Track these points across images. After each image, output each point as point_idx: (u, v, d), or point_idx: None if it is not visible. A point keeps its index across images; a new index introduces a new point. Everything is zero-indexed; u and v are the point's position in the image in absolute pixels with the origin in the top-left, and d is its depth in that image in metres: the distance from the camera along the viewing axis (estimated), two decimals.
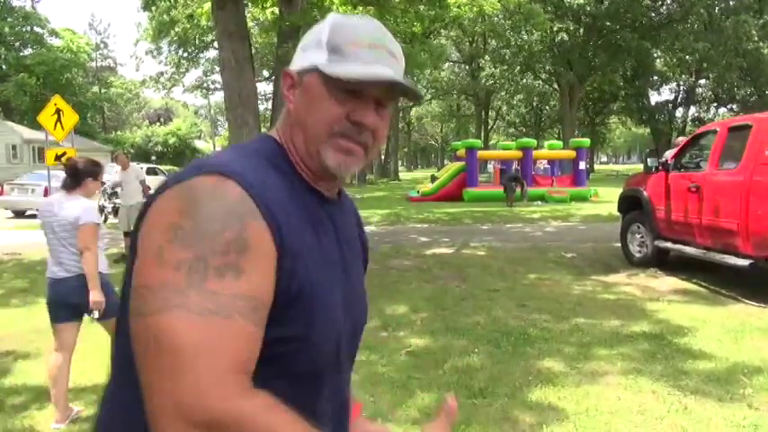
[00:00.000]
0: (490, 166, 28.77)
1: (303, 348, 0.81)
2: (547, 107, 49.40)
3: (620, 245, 7.99)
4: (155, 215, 0.77)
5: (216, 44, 13.34)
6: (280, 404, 0.71)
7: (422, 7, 11.91)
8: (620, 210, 8.19)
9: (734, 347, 4.28)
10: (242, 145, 0.91)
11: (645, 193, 7.36)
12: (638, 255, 7.57)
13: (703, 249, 6.28)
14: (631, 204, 7.78)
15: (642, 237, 7.49)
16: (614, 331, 4.74)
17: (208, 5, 11.81)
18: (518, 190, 17.52)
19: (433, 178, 21.91)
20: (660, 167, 7.07)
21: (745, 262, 5.53)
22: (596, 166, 58.52)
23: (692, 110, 46.70)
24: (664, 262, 7.26)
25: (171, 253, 0.71)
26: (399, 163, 54.66)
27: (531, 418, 3.21)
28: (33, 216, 15.59)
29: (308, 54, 0.88)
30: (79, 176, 3.40)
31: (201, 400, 0.66)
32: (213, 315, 0.69)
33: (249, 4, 12.71)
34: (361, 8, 13.69)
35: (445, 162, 44.86)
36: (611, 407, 3.34)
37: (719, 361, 4.01)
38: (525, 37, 34.87)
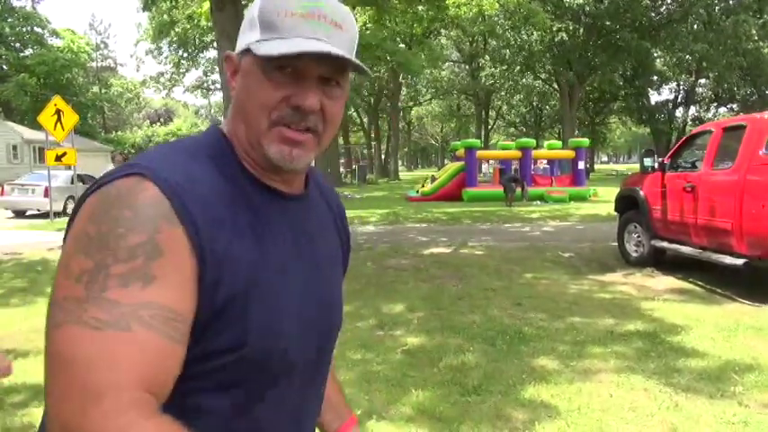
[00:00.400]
0: (485, 167, 28.85)
1: (239, 360, 0.73)
2: (547, 107, 49.44)
3: (617, 244, 8.03)
4: (73, 223, 0.71)
5: (215, 44, 13.36)
6: (179, 430, 0.65)
7: (420, 8, 11.95)
8: (617, 209, 8.23)
9: (726, 346, 4.32)
10: (183, 139, 0.84)
11: (641, 193, 7.40)
12: (634, 254, 7.61)
13: (699, 249, 6.33)
14: (628, 204, 7.82)
15: (639, 236, 7.53)
16: (608, 330, 4.78)
17: (207, 6, 11.84)
18: (518, 190, 17.56)
19: (433, 179, 21.96)
20: (656, 167, 7.12)
21: (739, 261, 5.57)
22: (597, 166, 58.58)
23: (692, 110, 46.78)
24: (660, 261, 7.30)
25: (75, 263, 0.67)
26: (399, 163, 54.68)
27: (524, 416, 3.25)
28: (34, 216, 15.66)
29: (245, 34, 0.80)
30: None
31: (82, 421, 0.60)
32: (109, 328, 0.63)
33: (248, 5, 12.76)
34: (359, 8, 13.75)
35: (445, 162, 44.86)
36: (603, 404, 3.38)
37: (712, 359, 4.05)
38: (525, 37, 34.92)
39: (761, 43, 35.07)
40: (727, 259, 5.74)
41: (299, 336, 0.81)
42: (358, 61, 0.78)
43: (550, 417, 3.23)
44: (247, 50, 0.78)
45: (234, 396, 0.75)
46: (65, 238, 0.72)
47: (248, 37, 0.78)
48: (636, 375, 3.79)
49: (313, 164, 0.91)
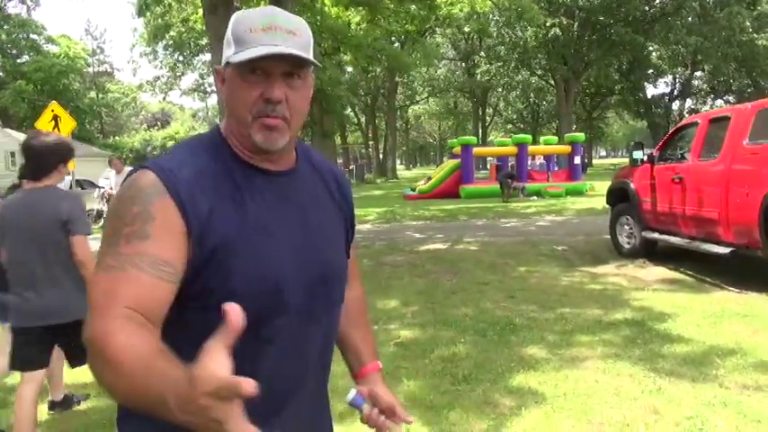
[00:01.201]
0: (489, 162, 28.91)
1: (231, 297, 0.84)
2: (544, 102, 49.51)
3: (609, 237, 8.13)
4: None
5: (209, 47, 13.45)
6: (149, 330, 0.86)
7: (413, 7, 12.04)
8: (608, 202, 8.33)
9: (711, 331, 4.42)
10: (189, 138, 1.10)
11: (632, 186, 7.50)
12: (626, 246, 7.71)
13: (688, 239, 6.43)
14: (620, 197, 7.92)
15: (630, 228, 7.63)
16: (597, 319, 4.88)
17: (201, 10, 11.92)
18: (513, 185, 17.66)
19: (428, 179, 22.07)
20: (646, 160, 7.21)
21: (726, 250, 5.67)
22: (595, 161, 58.64)
23: (689, 102, 46.82)
24: (652, 252, 7.40)
25: (105, 231, 0.97)
26: (398, 161, 54.78)
27: (511, 402, 3.35)
28: None
29: (225, 51, 1.02)
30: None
31: (91, 329, 0.86)
32: (114, 270, 0.90)
33: (241, 8, 12.84)
34: (352, 9, 13.83)
35: (444, 160, 44.99)
36: (588, 389, 3.48)
37: (696, 344, 4.16)
38: (519, 33, 35.00)
39: (755, 35, 35.12)
40: (715, 248, 5.84)
41: (285, 281, 1.00)
42: (309, 57, 0.99)
43: (537, 402, 3.34)
44: (227, 63, 1.00)
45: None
46: None
47: (227, 53, 1.01)
48: (622, 362, 3.89)
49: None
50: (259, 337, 0.96)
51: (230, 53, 0.99)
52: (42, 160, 2.79)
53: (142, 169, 0.98)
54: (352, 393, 1.21)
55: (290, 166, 1.08)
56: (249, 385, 0.67)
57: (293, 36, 0.98)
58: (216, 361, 0.69)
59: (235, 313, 0.71)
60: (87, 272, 2.72)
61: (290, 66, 0.98)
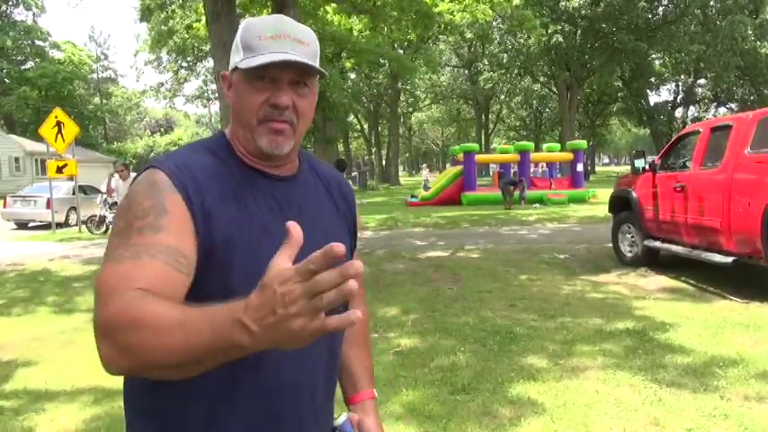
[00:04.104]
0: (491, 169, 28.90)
1: (230, 297, 0.88)
2: (547, 109, 49.56)
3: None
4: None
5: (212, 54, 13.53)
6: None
7: (414, 15, 12.10)
8: (610, 210, 8.31)
9: (713, 342, 4.39)
10: (195, 141, 1.13)
11: (634, 194, 7.48)
12: (628, 254, 7.69)
13: (690, 248, 6.40)
14: (622, 205, 7.90)
15: (632, 237, 7.61)
16: (598, 329, 4.86)
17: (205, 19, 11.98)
18: (516, 193, 17.64)
19: (426, 187, 22.11)
20: (647, 168, 7.20)
21: (728, 259, 5.64)
22: (598, 168, 58.59)
23: (692, 110, 46.84)
24: (654, 261, 7.37)
25: (115, 225, 0.97)
26: (401, 168, 54.80)
27: (511, 412, 3.33)
28: (36, 227, 15.79)
29: (233, 57, 1.04)
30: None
31: (103, 310, 0.84)
32: (127, 260, 0.89)
33: (244, 15, 12.91)
34: (355, 17, 13.90)
35: (447, 166, 45.02)
36: (589, 400, 3.45)
37: (697, 355, 4.13)
38: (522, 41, 35.07)
39: (758, 43, 35.16)
40: (717, 257, 5.82)
41: None
42: (316, 65, 1.01)
43: (536, 413, 3.31)
44: (235, 68, 1.02)
45: None
46: None
47: (235, 58, 1.03)
48: (622, 372, 3.87)
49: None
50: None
51: (239, 59, 1.00)
52: (340, 167, 3.84)
53: (151, 167, 1.00)
54: (342, 418, 1.17)
55: (292, 173, 1.10)
56: (336, 248, 0.67)
57: (302, 45, 1.00)
58: (283, 263, 0.70)
59: (295, 227, 0.73)
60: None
61: (298, 74, 1.00)
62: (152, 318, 0.78)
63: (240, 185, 1.02)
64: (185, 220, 0.94)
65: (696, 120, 43.80)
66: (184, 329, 0.76)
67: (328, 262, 0.68)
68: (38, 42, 42.17)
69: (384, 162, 44.47)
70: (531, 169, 20.28)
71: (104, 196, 13.72)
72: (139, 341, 0.78)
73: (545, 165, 23.38)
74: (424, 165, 38.89)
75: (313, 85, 1.04)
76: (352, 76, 27.83)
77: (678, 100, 46.40)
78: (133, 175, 10.22)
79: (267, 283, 0.69)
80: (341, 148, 37.02)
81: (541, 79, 41.51)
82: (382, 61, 14.59)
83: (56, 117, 14.03)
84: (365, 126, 47.17)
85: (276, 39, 0.98)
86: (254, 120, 1.00)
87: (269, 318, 0.69)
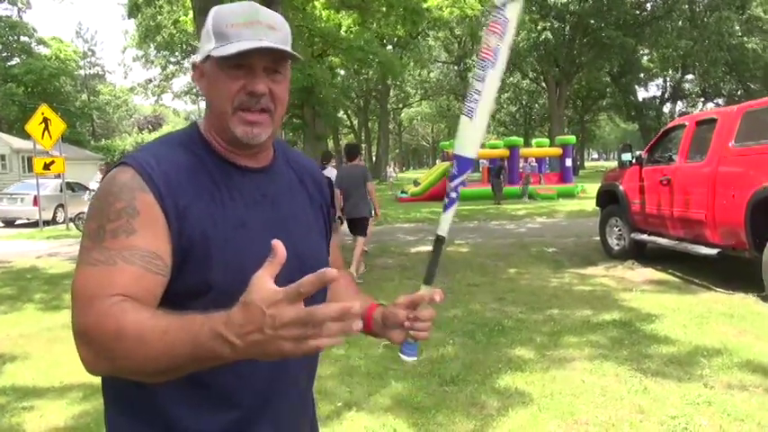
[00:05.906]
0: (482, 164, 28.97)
1: (210, 291, 0.94)
2: (536, 105, 49.71)
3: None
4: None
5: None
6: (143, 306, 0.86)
7: (402, 11, 12.09)
8: (598, 204, 8.38)
9: (697, 332, 4.46)
10: (166, 134, 1.11)
11: (621, 188, 7.55)
12: (616, 247, 7.76)
13: (676, 240, 6.47)
14: (609, 198, 7.97)
15: (620, 230, 7.68)
16: (585, 320, 4.91)
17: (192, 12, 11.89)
18: (518, 188, 17.98)
19: (416, 183, 22.13)
20: (634, 162, 7.26)
21: (713, 251, 5.72)
22: (587, 163, 58.90)
23: (680, 105, 47.22)
24: (641, 254, 7.45)
25: (87, 227, 0.96)
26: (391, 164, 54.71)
27: (498, 403, 3.36)
28: (23, 225, 15.66)
29: (204, 45, 1.02)
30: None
31: (82, 318, 0.86)
32: (101, 264, 0.90)
33: None
34: (343, 12, 13.86)
35: (437, 162, 45.09)
36: (575, 390, 3.50)
37: (682, 345, 4.19)
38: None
39: (744, 39, 35.45)
40: (702, 249, 5.89)
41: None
42: (290, 50, 1.00)
43: (524, 403, 3.35)
44: (208, 57, 1.00)
45: None
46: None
47: (207, 46, 1.00)
48: (608, 362, 3.91)
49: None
50: None
51: (211, 47, 0.98)
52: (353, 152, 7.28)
53: (120, 166, 0.98)
54: (404, 346, 1.13)
55: (267, 163, 1.09)
56: (330, 273, 0.70)
57: (274, 31, 0.99)
58: (268, 282, 0.72)
59: (280, 246, 0.74)
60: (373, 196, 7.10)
61: (273, 60, 0.99)
62: (134, 327, 0.81)
63: (214, 180, 1.01)
64: (158, 220, 0.93)
65: (684, 115, 44.15)
66: (166, 340, 0.79)
67: (320, 287, 0.71)
68: (23, 38, 41.64)
69: (374, 158, 44.41)
70: (521, 164, 20.35)
71: (92, 193, 13.63)
72: (121, 350, 0.81)
73: (534, 160, 23.49)
74: (391, 160, 38.83)
75: (286, 71, 1.03)
76: (342, 72, 27.77)
77: (666, 95, 46.74)
78: None
79: (252, 302, 0.72)
80: (331, 144, 36.91)
81: (531, 75, 41.65)
82: (371, 58, 14.54)
83: (42, 114, 13.90)
84: (355, 122, 47.10)
85: (249, 25, 0.97)
86: (228, 108, 0.99)
87: (254, 335, 0.72)
